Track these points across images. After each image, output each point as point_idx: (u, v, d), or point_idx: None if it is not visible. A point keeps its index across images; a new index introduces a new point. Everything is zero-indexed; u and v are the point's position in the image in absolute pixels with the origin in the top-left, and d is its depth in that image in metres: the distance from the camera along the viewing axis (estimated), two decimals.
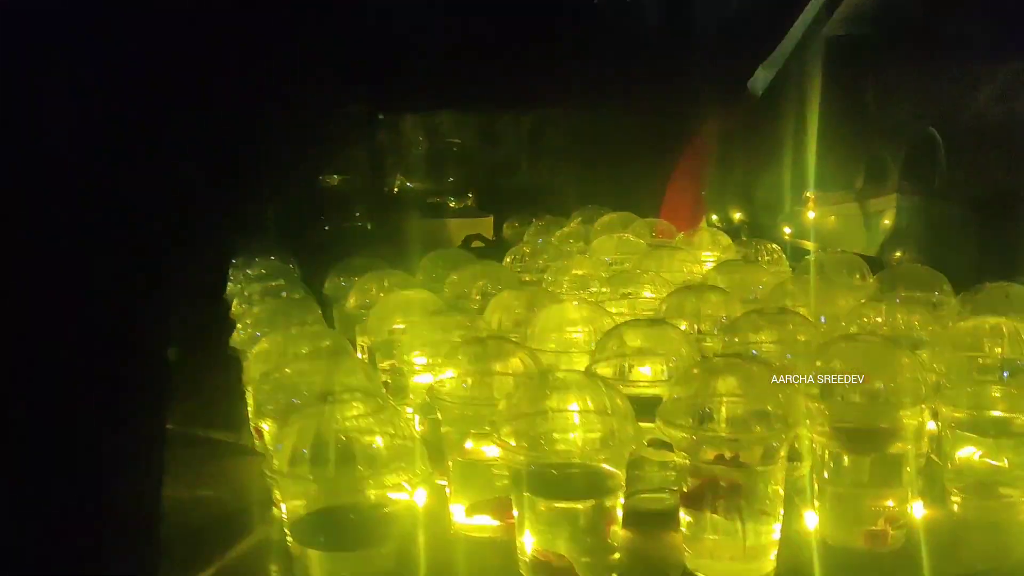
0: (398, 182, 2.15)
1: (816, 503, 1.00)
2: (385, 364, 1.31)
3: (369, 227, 2.06)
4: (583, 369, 1.08)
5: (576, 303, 1.25)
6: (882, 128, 2.40)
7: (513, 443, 0.88)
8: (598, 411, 0.88)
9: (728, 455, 0.92)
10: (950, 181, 2.28)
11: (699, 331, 1.24)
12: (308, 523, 0.82)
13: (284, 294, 1.44)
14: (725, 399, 0.92)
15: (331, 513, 0.82)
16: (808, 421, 0.99)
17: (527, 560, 0.89)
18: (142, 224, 1.75)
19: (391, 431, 0.82)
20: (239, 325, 1.31)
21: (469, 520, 1.03)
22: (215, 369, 1.57)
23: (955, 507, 1.05)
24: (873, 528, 0.97)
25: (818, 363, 0.99)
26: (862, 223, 2.41)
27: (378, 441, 0.81)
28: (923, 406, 0.97)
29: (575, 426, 0.88)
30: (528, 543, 0.89)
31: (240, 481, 1.23)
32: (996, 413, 1.04)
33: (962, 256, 2.05)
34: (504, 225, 2.16)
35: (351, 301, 1.50)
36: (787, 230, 2.37)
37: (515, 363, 1.02)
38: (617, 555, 0.89)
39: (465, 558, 1.00)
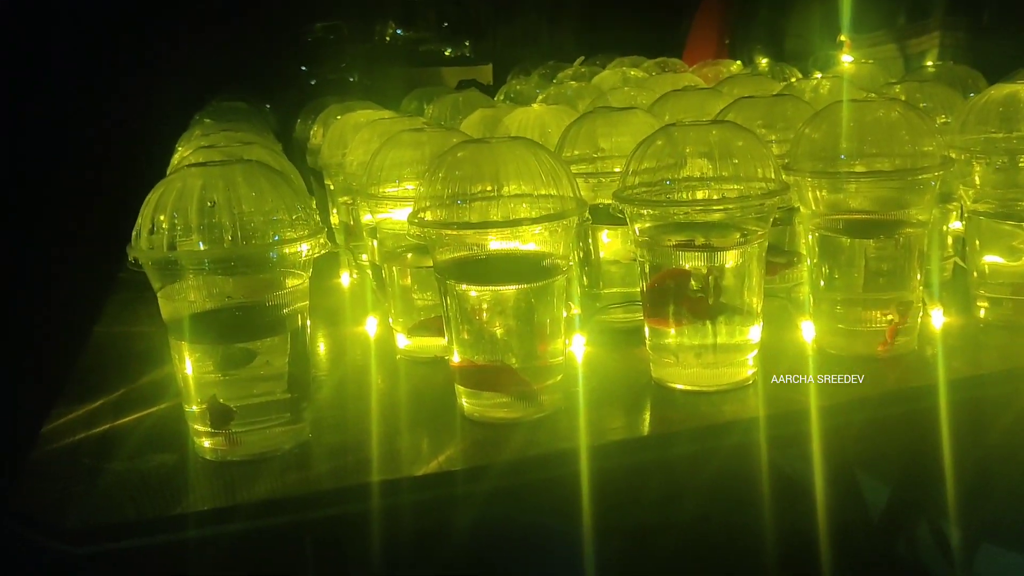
0: (389, 30, 1.98)
1: (812, 308, 0.85)
2: (345, 199, 1.17)
3: (355, 78, 1.90)
4: None
5: (547, 105, 1.08)
6: None
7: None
8: (533, 183, 0.72)
9: (699, 240, 0.77)
10: (1000, 13, 2.06)
11: None
12: (188, 320, 0.69)
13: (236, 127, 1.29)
14: (692, 168, 0.76)
15: (215, 310, 0.69)
16: (801, 206, 0.84)
17: (457, 367, 0.76)
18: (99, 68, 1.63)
19: (282, 204, 0.68)
20: (176, 150, 1.17)
21: (410, 342, 0.90)
22: None
23: (981, 312, 0.89)
24: (876, 328, 0.81)
25: (811, 132, 0.82)
26: (902, 66, 2.18)
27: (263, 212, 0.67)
28: (939, 179, 0.80)
29: (507, 200, 0.72)
30: (457, 349, 0.75)
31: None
32: None
33: None
34: (509, 74, 1.98)
35: (315, 138, 1.36)
36: (818, 76, 2.16)
37: None
38: (560, 359, 0.75)
39: (406, 379, 0.88)
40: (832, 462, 0.75)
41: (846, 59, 2.21)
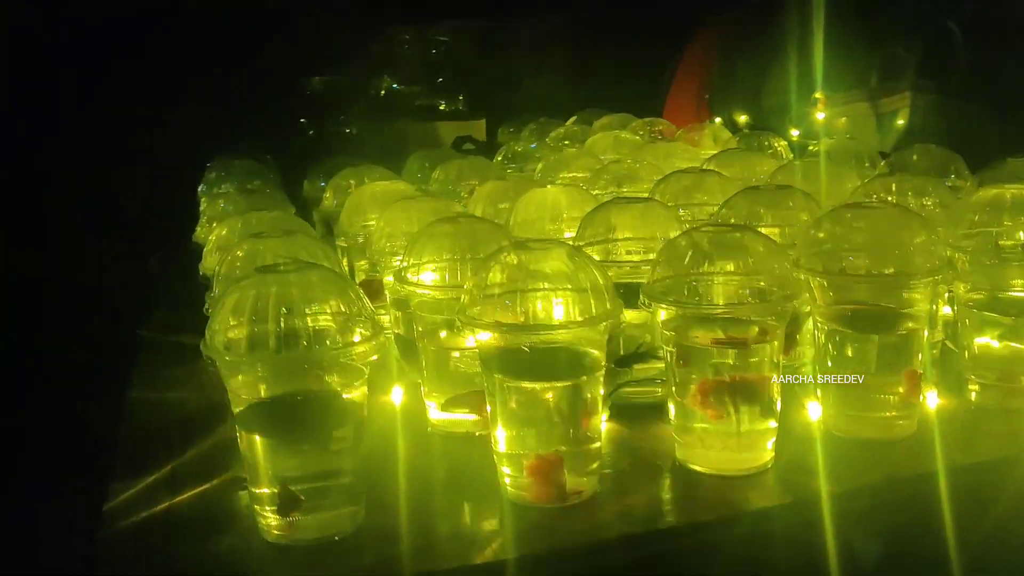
0: (385, 84, 2.04)
1: (819, 392, 0.92)
2: (362, 264, 1.22)
3: (354, 130, 1.96)
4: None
5: (561, 186, 1.15)
6: (897, 23, 2.27)
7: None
8: (574, 285, 0.79)
9: (722, 335, 0.83)
10: (969, 78, 2.17)
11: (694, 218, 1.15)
12: (255, 411, 0.74)
13: (254, 191, 1.34)
14: (716, 272, 0.84)
15: (281, 400, 0.74)
16: (810, 300, 0.91)
17: (504, 454, 0.81)
18: (107, 125, 1.67)
19: (345, 306, 0.73)
20: (202, 220, 1.22)
21: (444, 415, 0.95)
22: (184, 272, 1.51)
23: (972, 395, 0.97)
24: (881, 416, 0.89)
25: (819, 234, 0.90)
26: (874, 123, 2.29)
27: (329, 313, 0.72)
28: (937, 281, 0.87)
29: (549, 301, 0.79)
30: (502, 435, 0.81)
31: (206, 384, 1.16)
32: (1017, 292, 0.94)
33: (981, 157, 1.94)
34: (499, 129, 2.06)
35: (327, 200, 1.41)
36: (795, 132, 2.26)
37: (492, 244, 0.93)
38: (598, 444, 0.81)
39: (442, 454, 0.93)
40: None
41: (820, 116, 2.32)
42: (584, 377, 0.78)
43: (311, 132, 1.96)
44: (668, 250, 0.86)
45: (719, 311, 0.84)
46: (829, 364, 0.91)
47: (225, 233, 1.04)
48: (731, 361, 0.82)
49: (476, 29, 2.15)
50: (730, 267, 0.84)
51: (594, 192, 1.25)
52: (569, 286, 0.78)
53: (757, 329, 0.84)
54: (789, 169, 1.31)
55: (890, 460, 0.86)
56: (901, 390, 0.88)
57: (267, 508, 0.75)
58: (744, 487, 0.82)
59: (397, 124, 1.97)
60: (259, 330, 0.71)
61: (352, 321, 0.74)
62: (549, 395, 0.78)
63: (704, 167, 1.40)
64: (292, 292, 0.72)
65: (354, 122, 1.96)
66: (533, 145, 1.80)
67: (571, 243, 0.84)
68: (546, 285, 0.79)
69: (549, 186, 1.16)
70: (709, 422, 0.83)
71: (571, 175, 1.50)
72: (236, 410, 0.76)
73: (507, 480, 0.81)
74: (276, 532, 0.75)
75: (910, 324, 0.88)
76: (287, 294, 0.72)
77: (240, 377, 0.74)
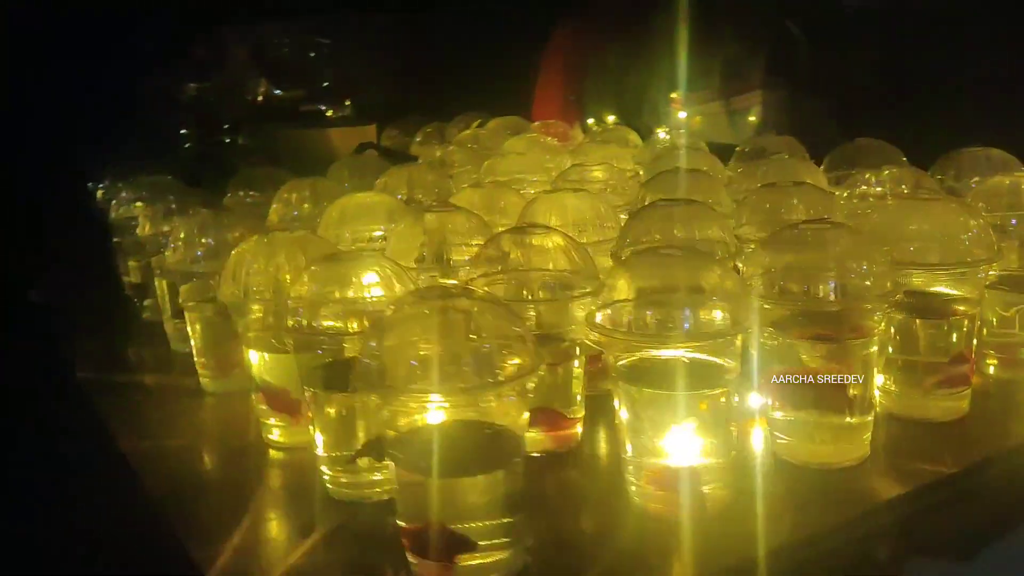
0: (263, 89, 1.90)
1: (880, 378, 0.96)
2: None
3: (240, 141, 1.82)
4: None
5: (571, 191, 1.13)
6: (744, 24, 2.40)
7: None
8: (719, 293, 0.77)
9: (822, 332, 0.85)
10: (816, 73, 2.32)
11: None
12: (419, 444, 0.68)
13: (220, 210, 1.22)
14: (817, 268, 0.84)
15: (451, 431, 0.68)
16: None
17: (643, 469, 0.78)
18: None
19: (511, 331, 0.68)
20: (172, 246, 1.09)
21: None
22: (115, 306, 1.37)
23: (991, 370, 1.04)
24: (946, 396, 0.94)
25: (880, 227, 0.94)
26: (727, 120, 2.41)
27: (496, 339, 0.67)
28: (991, 267, 0.93)
29: (698, 309, 0.77)
30: (644, 449, 0.77)
31: (202, 425, 1.05)
32: None
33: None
34: (382, 134, 1.99)
35: (274, 214, 1.31)
36: (662, 134, 2.34)
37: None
38: (734, 452, 0.80)
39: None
40: None
41: (681, 115, 2.41)
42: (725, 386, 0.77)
43: (187, 145, 1.80)
44: (766, 246, 0.86)
45: (828, 307, 0.84)
46: (890, 351, 0.94)
47: (244, 258, 0.93)
48: (831, 357, 0.84)
49: (353, 28, 2.05)
50: (829, 263, 0.85)
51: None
52: (715, 294, 0.77)
53: (858, 325, 0.85)
54: (751, 168, 1.35)
55: (975, 436, 0.90)
56: (963, 371, 0.93)
57: (428, 552, 0.68)
58: (863, 478, 0.83)
59: (284, 132, 1.84)
60: (439, 359, 0.65)
61: (521, 345, 0.69)
62: (698, 404, 0.76)
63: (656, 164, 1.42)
64: (472, 320, 0.66)
65: (240, 132, 1.82)
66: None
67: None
68: (689, 292, 0.77)
69: (559, 192, 1.13)
70: (819, 417, 0.84)
71: (503, 180, 1.48)
72: (394, 444, 0.68)
73: (652, 496, 0.78)
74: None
75: (964, 307, 0.94)
76: (459, 322, 0.66)
77: (388, 410, 0.67)
